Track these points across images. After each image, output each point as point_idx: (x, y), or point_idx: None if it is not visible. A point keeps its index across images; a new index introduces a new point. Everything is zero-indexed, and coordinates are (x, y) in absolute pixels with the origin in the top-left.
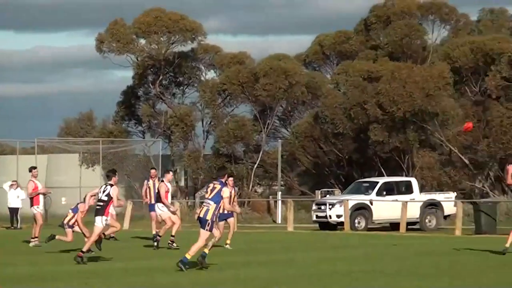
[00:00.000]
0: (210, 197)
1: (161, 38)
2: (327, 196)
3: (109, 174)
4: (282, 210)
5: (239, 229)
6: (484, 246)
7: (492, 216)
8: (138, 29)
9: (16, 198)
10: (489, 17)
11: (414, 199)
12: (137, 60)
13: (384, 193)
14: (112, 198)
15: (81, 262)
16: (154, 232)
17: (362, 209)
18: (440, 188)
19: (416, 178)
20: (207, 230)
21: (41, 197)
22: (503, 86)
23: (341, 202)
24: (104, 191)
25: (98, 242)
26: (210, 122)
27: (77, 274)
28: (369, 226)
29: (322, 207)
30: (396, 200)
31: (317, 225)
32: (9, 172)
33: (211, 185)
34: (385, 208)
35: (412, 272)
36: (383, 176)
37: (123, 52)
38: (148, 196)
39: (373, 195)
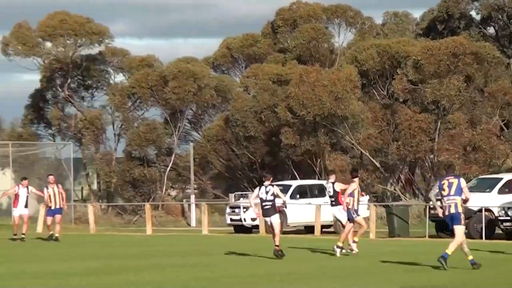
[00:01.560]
0: (452, 192)
1: (68, 41)
2: (241, 199)
3: (266, 175)
4: (196, 213)
5: (155, 232)
6: (397, 248)
7: (404, 219)
8: (43, 32)
9: None
10: (393, 21)
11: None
12: (44, 63)
13: (298, 196)
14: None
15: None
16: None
17: None
18: None
19: None
20: (463, 224)
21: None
22: (410, 90)
23: None
24: (267, 192)
25: None
26: (121, 126)
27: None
28: (284, 230)
29: (236, 210)
30: (310, 203)
31: (231, 228)
32: None
33: (445, 182)
34: (300, 212)
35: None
36: (296, 179)
37: (29, 55)
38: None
39: (287, 198)
